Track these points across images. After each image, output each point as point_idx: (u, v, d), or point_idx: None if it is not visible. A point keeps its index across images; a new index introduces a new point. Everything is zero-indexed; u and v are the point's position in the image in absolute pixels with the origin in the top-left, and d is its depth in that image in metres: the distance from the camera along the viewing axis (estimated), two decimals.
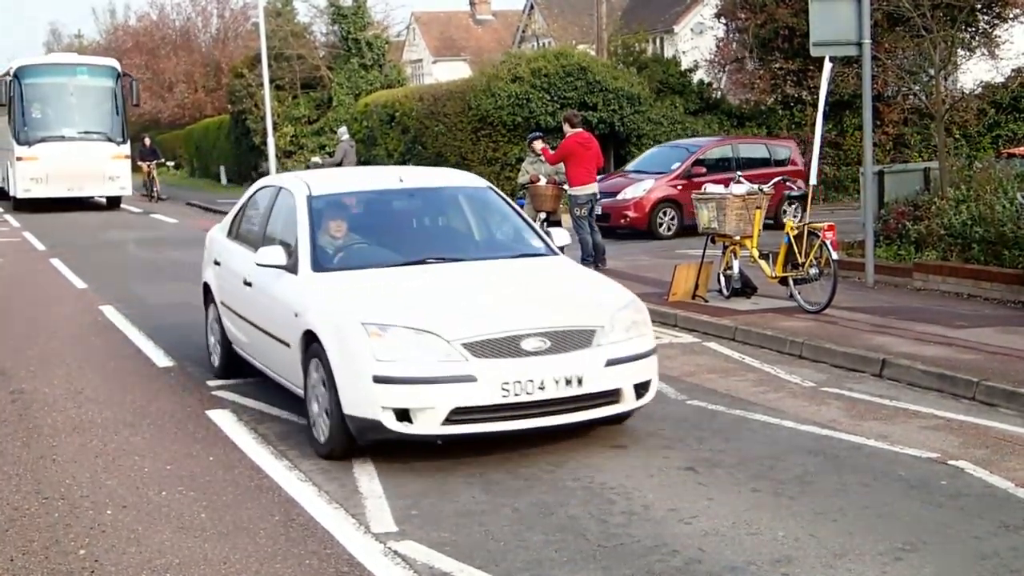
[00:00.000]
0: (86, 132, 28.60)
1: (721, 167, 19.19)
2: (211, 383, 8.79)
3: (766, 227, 12.30)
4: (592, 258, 14.15)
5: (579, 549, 5.21)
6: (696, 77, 26.99)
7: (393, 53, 39.40)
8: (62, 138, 28.17)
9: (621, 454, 6.72)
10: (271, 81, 31.53)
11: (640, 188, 18.95)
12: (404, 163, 27.63)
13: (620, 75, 24.91)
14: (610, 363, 6.47)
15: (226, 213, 9.87)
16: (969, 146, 23.34)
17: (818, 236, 10.66)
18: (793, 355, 9.44)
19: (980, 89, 21.91)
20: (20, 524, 5.75)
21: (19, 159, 28.10)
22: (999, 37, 22.30)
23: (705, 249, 11.97)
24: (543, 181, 14.69)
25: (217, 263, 8.99)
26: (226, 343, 8.72)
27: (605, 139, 20.94)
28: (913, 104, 23.02)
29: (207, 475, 6.49)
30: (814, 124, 13.12)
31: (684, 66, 27.10)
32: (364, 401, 6.26)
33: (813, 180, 12.02)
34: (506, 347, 6.29)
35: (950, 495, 5.90)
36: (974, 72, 22.34)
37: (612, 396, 6.57)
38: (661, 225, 18.80)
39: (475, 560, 5.08)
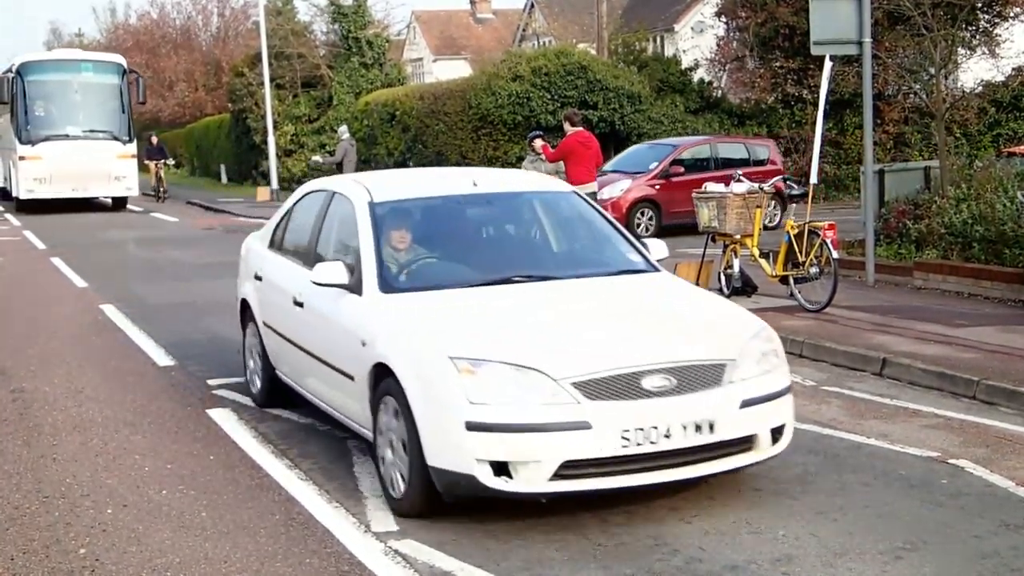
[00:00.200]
0: (91, 131, 27.74)
1: (699, 167, 19.13)
2: (211, 382, 8.79)
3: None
4: None
5: (579, 548, 5.21)
6: (696, 76, 27.00)
7: (393, 52, 39.42)
8: (66, 137, 27.40)
9: None
10: (271, 80, 31.59)
11: (617, 188, 18.70)
12: (404, 163, 27.69)
13: (620, 74, 24.91)
14: (745, 404, 5.51)
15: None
16: (970, 145, 23.35)
17: (819, 235, 10.65)
18: (793, 354, 9.43)
19: (981, 88, 21.91)
20: (20, 523, 5.75)
21: (22, 159, 27.26)
22: (999, 36, 22.32)
23: (705, 248, 11.97)
24: None
25: (258, 278, 7.96)
26: (269, 369, 7.75)
27: (606, 138, 20.94)
28: (914, 103, 23.03)
29: (207, 474, 6.49)
30: (815, 123, 13.12)
31: (684, 65, 27.12)
32: (454, 451, 5.27)
33: (814, 179, 12.02)
34: (625, 387, 5.31)
35: (950, 494, 5.89)
36: (975, 71, 22.34)
37: (746, 443, 5.58)
38: (639, 226, 18.49)
39: (475, 559, 5.07)
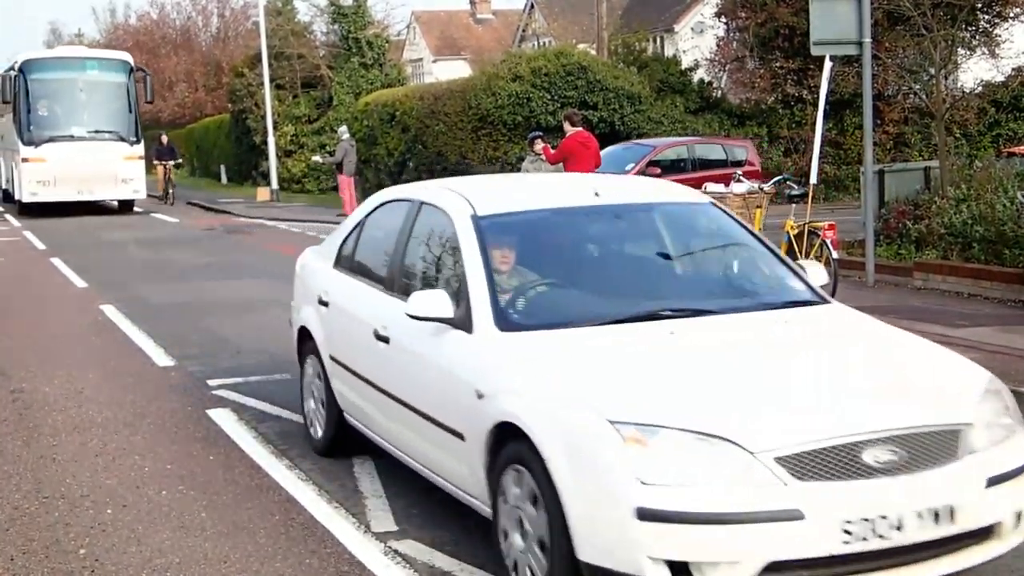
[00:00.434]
0: (96, 131, 26.69)
1: (677, 168, 19.06)
2: (211, 382, 8.78)
3: None
4: None
5: None
6: (696, 76, 27.01)
7: (393, 52, 39.42)
8: (71, 138, 26.37)
9: None
10: (271, 80, 31.60)
11: None
12: (403, 163, 27.69)
13: (620, 74, 24.92)
14: (991, 482, 4.24)
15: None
16: (969, 145, 23.37)
17: (818, 235, 10.66)
18: None
19: (980, 88, 21.92)
20: (20, 523, 5.74)
21: (25, 160, 26.25)
22: (999, 36, 22.31)
23: None
24: None
25: (323, 303, 6.67)
26: (335, 411, 6.55)
27: (606, 138, 20.92)
28: (913, 103, 23.04)
29: (207, 474, 6.49)
30: (814, 123, 13.14)
31: (684, 65, 27.12)
32: (618, 546, 4.07)
33: (814, 179, 12.03)
34: (843, 462, 4.07)
35: None
36: (974, 71, 22.35)
37: (989, 532, 4.29)
38: None
39: (475, 559, 5.07)
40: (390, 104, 28.59)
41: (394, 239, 6.09)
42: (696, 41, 34.32)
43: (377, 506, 5.84)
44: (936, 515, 4.09)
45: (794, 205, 12.36)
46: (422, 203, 5.99)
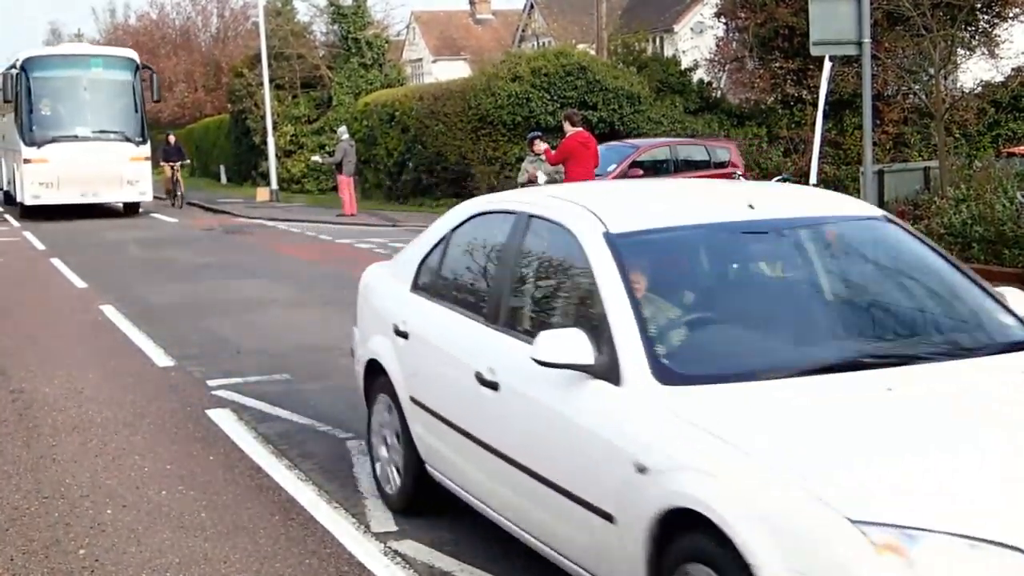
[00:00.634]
0: (101, 131, 25.68)
1: (659, 169, 18.98)
2: (211, 382, 8.78)
3: None
4: None
5: None
6: (696, 76, 27.01)
7: (393, 52, 39.44)
8: (75, 138, 25.35)
9: None
10: (271, 80, 31.60)
11: None
12: (403, 163, 27.70)
13: (620, 74, 24.92)
14: None
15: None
16: (969, 145, 23.36)
17: None
18: None
19: (980, 88, 21.94)
20: (20, 523, 5.74)
21: (27, 161, 25.26)
22: (999, 36, 22.33)
23: None
24: (542, 180, 14.71)
25: (401, 333, 5.58)
26: (415, 461, 5.49)
27: (605, 138, 20.92)
28: (913, 103, 23.03)
29: (207, 475, 6.49)
30: (814, 123, 13.15)
31: (684, 65, 27.12)
32: None
33: (813, 179, 12.04)
34: None
35: None
36: (974, 71, 22.37)
37: None
38: None
39: (475, 560, 5.07)
40: (390, 104, 28.60)
41: (495, 260, 5.17)
42: (696, 41, 34.33)
43: (377, 506, 5.83)
44: None
45: None
46: (531, 216, 4.95)
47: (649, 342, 4.00)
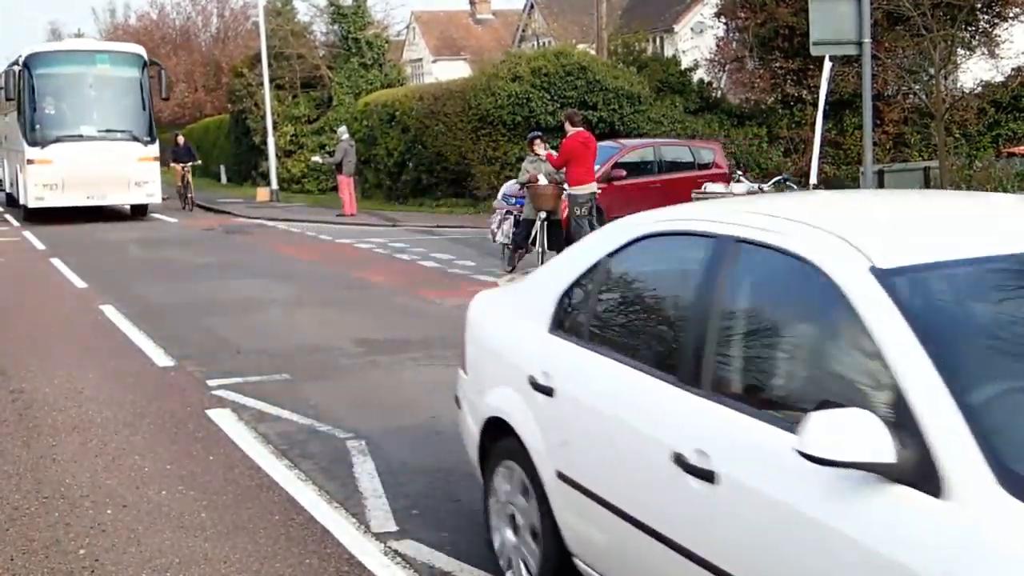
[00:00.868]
0: (108, 131, 24.52)
1: (643, 170, 18.93)
2: (211, 382, 8.78)
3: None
4: None
5: None
6: (696, 76, 27.01)
7: (393, 52, 39.46)
8: (80, 138, 24.20)
9: None
10: (271, 80, 31.60)
11: None
12: (403, 163, 27.70)
13: (620, 74, 24.92)
14: None
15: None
16: (969, 145, 23.36)
17: None
18: None
19: (980, 88, 21.94)
20: (20, 523, 5.74)
21: (30, 162, 24.14)
22: (999, 36, 22.34)
23: None
24: (543, 180, 14.72)
25: (542, 389, 4.36)
26: (557, 553, 4.31)
27: (605, 138, 20.92)
28: (913, 103, 23.04)
29: (207, 474, 6.48)
30: (814, 123, 13.15)
31: (684, 65, 27.12)
32: None
33: (813, 179, 12.05)
34: None
35: None
36: (974, 71, 22.37)
37: None
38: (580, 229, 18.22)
39: (475, 559, 5.07)
40: (390, 104, 28.60)
41: (687, 300, 3.86)
42: (696, 41, 34.32)
43: (377, 506, 5.83)
44: None
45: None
46: (739, 241, 3.66)
47: (983, 432, 2.72)
